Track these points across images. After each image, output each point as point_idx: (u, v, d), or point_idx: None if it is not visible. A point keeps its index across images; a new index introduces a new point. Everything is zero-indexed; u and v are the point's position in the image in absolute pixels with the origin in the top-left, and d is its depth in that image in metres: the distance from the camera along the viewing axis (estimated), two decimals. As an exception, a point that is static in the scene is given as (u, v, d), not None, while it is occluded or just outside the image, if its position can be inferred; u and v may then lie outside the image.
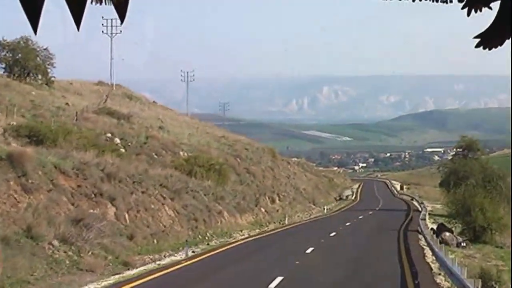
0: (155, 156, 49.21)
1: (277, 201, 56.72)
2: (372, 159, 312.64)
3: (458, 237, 39.19)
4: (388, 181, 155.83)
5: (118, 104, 74.82)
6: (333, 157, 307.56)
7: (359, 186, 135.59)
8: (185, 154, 50.85)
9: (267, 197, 54.17)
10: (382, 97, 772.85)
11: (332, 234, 39.05)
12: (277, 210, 54.39)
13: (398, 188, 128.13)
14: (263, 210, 50.15)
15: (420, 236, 37.07)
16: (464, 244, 36.83)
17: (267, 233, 40.93)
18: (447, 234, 36.90)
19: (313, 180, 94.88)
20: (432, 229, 38.60)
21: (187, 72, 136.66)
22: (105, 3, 2.51)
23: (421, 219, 44.84)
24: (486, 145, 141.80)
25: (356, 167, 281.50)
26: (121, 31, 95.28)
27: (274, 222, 48.95)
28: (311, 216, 60.64)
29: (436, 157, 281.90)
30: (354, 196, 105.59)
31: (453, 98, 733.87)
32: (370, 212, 66.70)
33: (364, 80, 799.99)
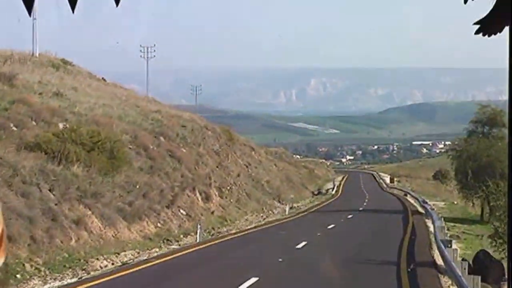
0: (14, 128, 31.66)
1: (216, 197, 38.63)
2: (360, 152, 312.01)
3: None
4: (375, 173, 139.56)
5: (24, 70, 57.48)
6: (320, 150, 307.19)
7: (343, 178, 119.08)
8: (66, 126, 33.20)
9: (197, 192, 36.02)
10: (370, 89, 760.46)
11: None
12: (212, 212, 36.39)
13: (388, 181, 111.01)
14: (182, 212, 32.10)
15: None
16: None
17: (133, 269, 20.69)
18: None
19: (284, 170, 77.10)
20: (468, 264, 17.90)
21: (147, 48, 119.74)
22: None
23: (442, 241, 22.27)
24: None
25: (344, 160, 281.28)
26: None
27: (197, 234, 30.74)
28: (264, 221, 41.49)
29: (425, 150, 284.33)
30: (335, 190, 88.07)
31: (441, 91, 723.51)
32: (350, 216, 47.00)
33: (352, 72, 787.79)
